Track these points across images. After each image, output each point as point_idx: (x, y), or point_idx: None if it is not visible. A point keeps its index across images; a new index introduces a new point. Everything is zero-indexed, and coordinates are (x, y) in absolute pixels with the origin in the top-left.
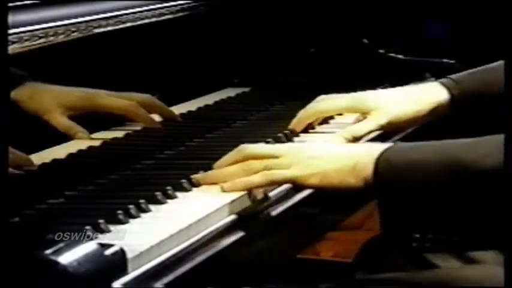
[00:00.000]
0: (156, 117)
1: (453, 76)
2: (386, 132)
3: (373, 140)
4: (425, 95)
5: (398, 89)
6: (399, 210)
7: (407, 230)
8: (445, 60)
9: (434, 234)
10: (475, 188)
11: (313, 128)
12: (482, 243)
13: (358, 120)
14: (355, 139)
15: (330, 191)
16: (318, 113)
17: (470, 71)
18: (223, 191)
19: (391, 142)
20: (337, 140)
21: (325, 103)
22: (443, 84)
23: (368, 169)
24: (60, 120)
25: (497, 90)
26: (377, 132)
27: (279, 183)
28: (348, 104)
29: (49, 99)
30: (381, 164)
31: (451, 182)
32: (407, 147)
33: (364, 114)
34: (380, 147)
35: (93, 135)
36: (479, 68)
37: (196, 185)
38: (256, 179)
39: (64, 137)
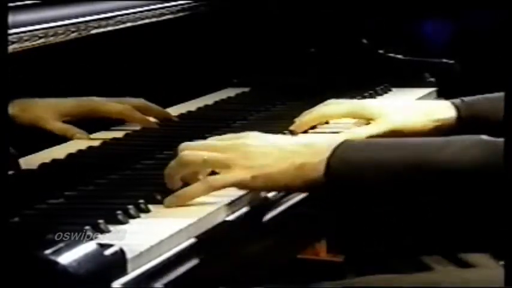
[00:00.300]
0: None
1: (465, 98)
2: None
3: None
4: (433, 111)
5: (407, 101)
6: (351, 213)
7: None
8: (444, 60)
9: (387, 238)
10: (445, 187)
11: (312, 128)
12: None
13: (360, 124)
14: None
15: (276, 191)
16: (322, 117)
17: (485, 95)
18: (167, 206)
19: None
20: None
21: (330, 107)
22: (453, 103)
23: (317, 169)
24: (56, 124)
25: None
26: None
27: (221, 188)
28: (353, 109)
29: (42, 108)
30: (334, 162)
31: (419, 181)
32: (362, 144)
33: (368, 121)
34: (329, 144)
35: (93, 136)
36: (494, 94)
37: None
38: (199, 188)
39: (64, 137)
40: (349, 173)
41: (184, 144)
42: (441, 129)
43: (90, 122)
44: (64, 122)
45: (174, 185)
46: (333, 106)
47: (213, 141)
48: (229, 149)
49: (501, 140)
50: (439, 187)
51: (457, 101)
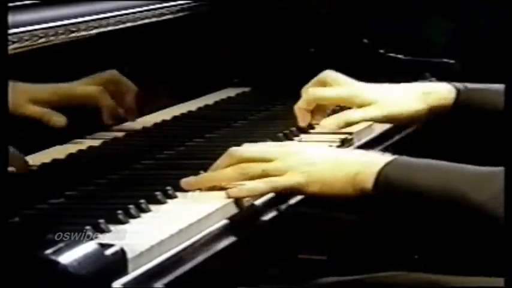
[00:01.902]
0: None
1: (469, 84)
2: (387, 132)
3: (373, 140)
4: (431, 95)
5: (403, 85)
6: (393, 223)
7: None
8: (445, 60)
9: (421, 255)
10: (476, 227)
11: (313, 128)
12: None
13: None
14: (347, 125)
15: (328, 198)
16: (316, 100)
17: (491, 85)
18: (229, 197)
19: (390, 143)
20: (330, 125)
21: (323, 91)
22: (455, 86)
23: (368, 181)
24: (33, 109)
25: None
26: (378, 131)
27: (282, 190)
28: (347, 94)
29: (18, 95)
30: (381, 179)
31: (451, 216)
32: (409, 165)
33: (361, 107)
34: (380, 159)
35: (93, 136)
36: (496, 85)
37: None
38: (260, 186)
39: (64, 137)
40: (392, 193)
41: (232, 149)
42: (438, 112)
43: (90, 121)
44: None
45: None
46: (326, 89)
47: (264, 148)
48: (281, 158)
49: None
50: (469, 226)
51: (459, 85)
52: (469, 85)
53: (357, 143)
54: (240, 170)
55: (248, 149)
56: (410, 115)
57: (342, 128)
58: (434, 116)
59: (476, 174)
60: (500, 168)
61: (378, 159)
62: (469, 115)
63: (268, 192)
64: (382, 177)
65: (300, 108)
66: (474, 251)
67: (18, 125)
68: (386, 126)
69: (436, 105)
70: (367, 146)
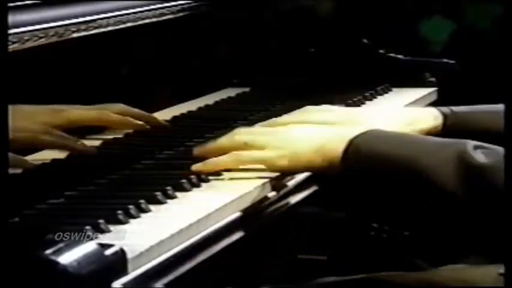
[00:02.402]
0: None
1: (455, 108)
2: None
3: None
4: (417, 120)
5: (392, 108)
6: (360, 197)
7: (367, 217)
8: (445, 60)
9: (391, 227)
10: (424, 195)
11: None
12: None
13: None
14: None
15: (298, 171)
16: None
17: (477, 106)
18: (193, 171)
19: None
20: None
21: (316, 115)
22: (441, 111)
23: (336, 151)
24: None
25: (494, 132)
26: None
27: (247, 163)
28: (331, 119)
29: (18, 120)
30: (350, 150)
31: (407, 182)
32: (381, 137)
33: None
34: (354, 131)
35: (93, 136)
36: (482, 106)
37: (196, 184)
38: (227, 159)
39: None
40: (359, 161)
41: (237, 129)
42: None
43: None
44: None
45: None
46: (318, 113)
47: (262, 126)
48: (269, 133)
49: (479, 157)
50: (418, 192)
51: (446, 109)
52: (455, 108)
53: None
54: (229, 139)
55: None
56: None
57: None
58: None
59: (431, 142)
60: (452, 140)
61: (350, 131)
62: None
63: (232, 166)
64: (352, 148)
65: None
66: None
67: None
68: None
69: (422, 129)
70: None
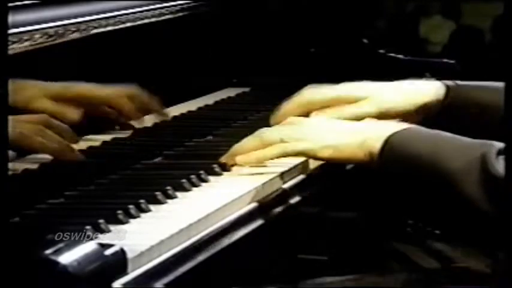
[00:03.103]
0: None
1: (460, 82)
2: None
3: None
4: (422, 94)
5: (393, 83)
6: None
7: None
8: (445, 60)
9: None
10: (446, 199)
11: None
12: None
13: None
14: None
15: (340, 162)
16: (305, 105)
17: (483, 83)
18: (239, 164)
19: None
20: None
21: (312, 93)
22: (445, 84)
23: (375, 147)
24: (48, 104)
25: (493, 108)
26: None
27: (292, 155)
28: (338, 93)
29: (32, 91)
30: (386, 148)
31: (432, 183)
32: (414, 134)
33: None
34: (390, 128)
35: (93, 136)
36: (487, 82)
37: (196, 184)
38: (271, 151)
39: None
40: (393, 160)
41: (261, 130)
42: (429, 110)
43: (91, 121)
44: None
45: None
46: (315, 92)
47: (288, 125)
48: (300, 126)
49: (500, 167)
50: (442, 193)
51: (450, 82)
52: (460, 82)
53: None
54: (259, 138)
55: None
56: (400, 111)
57: None
58: (425, 113)
59: (458, 144)
60: (476, 142)
61: (386, 127)
62: (459, 112)
63: (278, 157)
64: (388, 144)
65: (286, 113)
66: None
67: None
68: None
69: (426, 102)
70: None
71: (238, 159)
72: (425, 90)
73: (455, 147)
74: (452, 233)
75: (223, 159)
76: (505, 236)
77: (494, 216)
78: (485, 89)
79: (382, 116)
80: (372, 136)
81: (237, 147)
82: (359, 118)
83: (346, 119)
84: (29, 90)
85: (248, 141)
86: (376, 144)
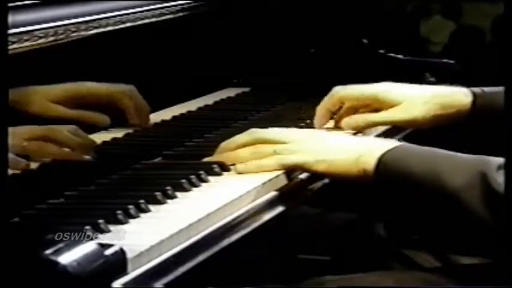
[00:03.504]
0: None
1: (486, 88)
2: (389, 131)
3: (380, 134)
4: (451, 102)
5: (426, 88)
6: (391, 210)
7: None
8: (445, 60)
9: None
10: (448, 216)
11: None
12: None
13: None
14: (367, 126)
15: (334, 178)
16: (340, 99)
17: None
18: (238, 172)
19: (397, 138)
20: (349, 125)
21: (347, 90)
22: (472, 91)
23: (370, 165)
24: (66, 110)
25: None
26: (381, 130)
27: (289, 167)
28: (373, 92)
29: (37, 98)
30: (380, 166)
31: (432, 201)
32: (407, 151)
33: (384, 108)
34: (383, 145)
35: (93, 135)
36: None
37: (196, 184)
38: (268, 162)
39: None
40: (389, 178)
41: (252, 130)
42: (456, 118)
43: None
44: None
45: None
46: (350, 89)
47: (280, 131)
48: (295, 141)
49: (501, 183)
50: (443, 209)
51: (477, 89)
52: (486, 89)
53: None
54: (254, 150)
55: (267, 130)
56: (431, 120)
57: (362, 128)
58: (452, 120)
59: (455, 161)
60: (483, 157)
61: (379, 145)
62: (486, 119)
63: (275, 169)
64: (382, 162)
65: (323, 108)
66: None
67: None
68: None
69: (455, 110)
70: None
71: (240, 168)
72: (455, 96)
73: (453, 164)
74: (456, 248)
75: (214, 158)
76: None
77: (499, 231)
78: None
79: (411, 123)
80: (366, 153)
81: (229, 155)
82: (389, 124)
83: (377, 124)
84: (35, 98)
85: (242, 152)
86: (371, 162)
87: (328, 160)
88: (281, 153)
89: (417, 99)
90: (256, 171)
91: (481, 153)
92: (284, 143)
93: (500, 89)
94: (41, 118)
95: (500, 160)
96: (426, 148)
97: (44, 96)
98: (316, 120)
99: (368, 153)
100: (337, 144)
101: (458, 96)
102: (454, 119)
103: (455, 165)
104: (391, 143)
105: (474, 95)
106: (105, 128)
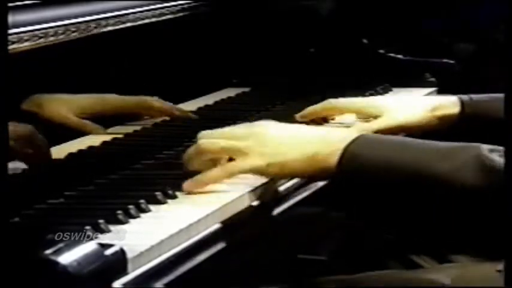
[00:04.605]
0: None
1: (474, 96)
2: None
3: None
4: (438, 107)
5: (410, 97)
6: (357, 205)
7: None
8: (445, 60)
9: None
10: (442, 199)
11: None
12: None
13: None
14: None
15: (289, 178)
16: (327, 109)
17: (495, 95)
18: (185, 190)
19: None
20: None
21: (338, 101)
22: (460, 99)
23: (329, 161)
24: (74, 119)
25: None
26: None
27: (241, 173)
28: (361, 104)
29: (58, 105)
30: (346, 158)
31: (419, 189)
32: (376, 141)
33: (374, 117)
34: (344, 137)
35: (93, 135)
36: (500, 95)
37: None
38: (217, 173)
39: (64, 136)
40: (358, 169)
41: (202, 133)
42: (445, 124)
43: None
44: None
45: (190, 171)
46: (343, 101)
47: (230, 129)
48: (246, 136)
49: (498, 159)
50: (434, 197)
51: (465, 97)
52: (474, 96)
53: None
54: (196, 147)
55: (214, 130)
56: (419, 125)
57: None
58: (441, 127)
59: (439, 147)
60: (462, 144)
61: (339, 137)
62: (475, 126)
63: (224, 179)
64: (348, 154)
65: (312, 108)
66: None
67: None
68: None
69: (442, 116)
70: None
71: (186, 187)
72: (443, 104)
73: (437, 149)
74: (431, 234)
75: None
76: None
77: (500, 206)
78: (499, 101)
79: (402, 129)
80: (322, 149)
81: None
82: (377, 132)
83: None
84: (55, 105)
85: (191, 155)
86: (330, 157)
87: (279, 162)
88: (232, 155)
89: (402, 105)
90: (204, 186)
91: None
92: (235, 148)
93: (489, 96)
94: (50, 124)
95: (490, 146)
96: (392, 136)
97: (66, 103)
98: (301, 114)
99: (324, 148)
100: (289, 141)
101: (446, 103)
102: (442, 125)
103: (440, 150)
104: (349, 134)
105: (462, 102)
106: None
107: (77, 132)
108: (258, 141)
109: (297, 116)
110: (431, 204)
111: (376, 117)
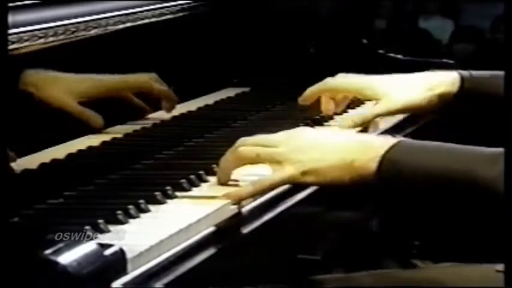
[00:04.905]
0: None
1: (474, 72)
2: (401, 123)
3: (386, 131)
4: (438, 85)
5: (410, 75)
6: (395, 211)
7: (399, 234)
8: (445, 60)
9: (422, 242)
10: (491, 204)
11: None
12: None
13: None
14: (365, 123)
15: (325, 186)
16: (325, 89)
17: (492, 72)
18: (222, 199)
19: (399, 136)
20: (347, 124)
21: (336, 81)
22: (460, 74)
23: (368, 168)
24: (73, 105)
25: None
26: (392, 123)
27: (276, 186)
28: (359, 86)
29: (60, 87)
30: (386, 166)
31: (464, 194)
32: (415, 147)
33: (374, 100)
34: (382, 144)
35: (93, 135)
36: (500, 72)
37: (196, 184)
38: (248, 189)
39: (63, 136)
40: (399, 176)
41: (241, 139)
42: (446, 101)
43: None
44: (80, 102)
45: (226, 179)
46: (338, 79)
47: (268, 136)
48: (281, 143)
49: None
50: (483, 202)
51: (465, 72)
52: (474, 72)
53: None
54: (234, 154)
55: (252, 137)
56: (419, 106)
57: (359, 125)
58: (441, 105)
59: (482, 153)
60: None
61: (377, 143)
62: (474, 101)
63: (257, 194)
64: (387, 162)
65: (313, 89)
66: (481, 237)
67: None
68: (399, 117)
69: (443, 92)
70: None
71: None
72: (443, 79)
73: (479, 156)
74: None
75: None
76: None
77: None
78: (500, 78)
79: (403, 109)
80: (360, 156)
81: (220, 172)
82: (386, 114)
83: (373, 117)
84: (57, 87)
85: (227, 162)
86: (369, 164)
87: (314, 170)
88: (267, 163)
89: (402, 86)
90: (237, 201)
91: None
92: (271, 156)
93: (489, 72)
94: (46, 105)
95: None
96: (431, 142)
97: (68, 86)
98: (302, 97)
99: (362, 155)
100: (324, 148)
101: (446, 78)
102: (443, 102)
103: (481, 157)
104: (387, 140)
105: (462, 78)
106: (105, 128)
107: (74, 120)
108: (293, 147)
109: (299, 100)
110: (478, 209)
111: (375, 99)
